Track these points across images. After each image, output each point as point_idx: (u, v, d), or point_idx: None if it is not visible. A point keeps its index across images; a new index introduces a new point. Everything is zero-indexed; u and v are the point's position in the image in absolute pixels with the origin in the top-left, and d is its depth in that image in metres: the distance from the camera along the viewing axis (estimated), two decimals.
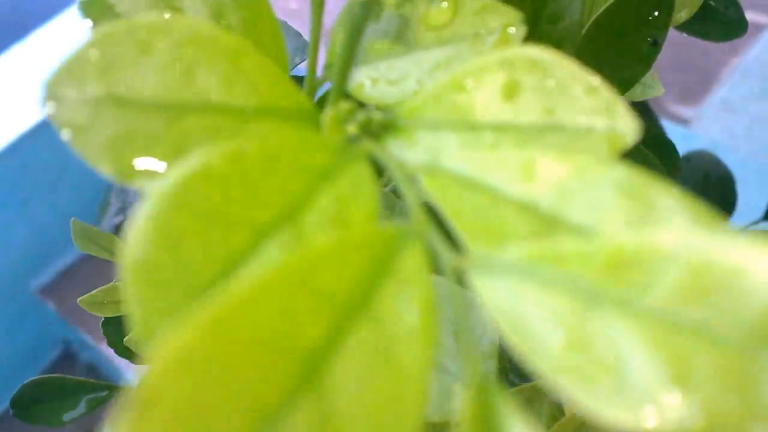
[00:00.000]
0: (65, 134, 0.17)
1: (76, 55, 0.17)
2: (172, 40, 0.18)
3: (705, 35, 0.54)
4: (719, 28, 0.53)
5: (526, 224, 0.15)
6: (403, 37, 0.23)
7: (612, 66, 0.32)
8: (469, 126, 0.19)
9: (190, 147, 0.18)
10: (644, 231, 0.14)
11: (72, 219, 0.33)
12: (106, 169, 0.17)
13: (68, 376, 0.49)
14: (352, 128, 0.19)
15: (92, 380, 0.48)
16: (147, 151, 0.17)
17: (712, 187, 0.73)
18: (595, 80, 0.18)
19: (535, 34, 0.31)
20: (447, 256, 0.14)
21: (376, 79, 0.23)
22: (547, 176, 0.16)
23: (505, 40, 0.22)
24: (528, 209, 0.15)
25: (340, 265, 0.12)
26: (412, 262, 0.13)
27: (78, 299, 0.34)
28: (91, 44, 0.17)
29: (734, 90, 1.32)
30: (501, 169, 0.16)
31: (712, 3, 0.52)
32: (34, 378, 0.48)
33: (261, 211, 0.15)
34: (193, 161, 0.14)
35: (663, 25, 0.31)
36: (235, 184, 0.15)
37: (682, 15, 0.47)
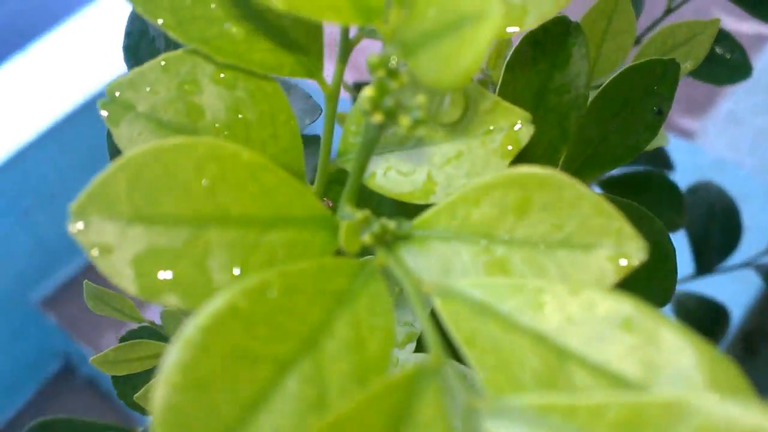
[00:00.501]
0: (93, 253, 0.18)
1: (104, 178, 0.17)
2: (196, 159, 0.18)
3: (711, 79, 0.54)
4: (725, 72, 0.54)
5: (538, 356, 0.16)
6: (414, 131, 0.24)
7: (618, 134, 0.33)
8: (480, 239, 0.19)
9: (210, 261, 0.18)
10: (654, 388, 0.14)
11: (85, 281, 0.34)
12: (131, 288, 0.18)
13: (76, 417, 0.49)
14: (367, 239, 0.20)
15: (100, 421, 0.49)
16: (170, 267, 0.18)
17: (717, 218, 0.74)
18: (602, 200, 0.18)
19: (542, 106, 0.32)
20: (462, 395, 0.15)
21: (387, 170, 0.24)
22: (557, 307, 0.16)
23: (512, 138, 0.23)
24: (539, 340, 0.16)
25: (363, 425, 0.13)
26: (430, 408, 0.14)
27: (90, 358, 0.34)
28: (119, 168, 0.17)
29: (740, 102, 1.32)
30: (514, 296, 0.17)
31: (717, 50, 0.53)
32: (41, 419, 0.49)
33: (283, 344, 0.16)
34: (217, 302, 0.15)
35: (668, 95, 0.32)
36: (258, 320, 0.15)
37: (687, 65, 0.47)
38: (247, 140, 0.23)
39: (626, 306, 0.16)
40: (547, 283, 0.17)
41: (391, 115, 0.19)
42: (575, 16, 0.52)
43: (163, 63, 0.22)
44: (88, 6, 1.20)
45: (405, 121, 0.18)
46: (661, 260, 0.34)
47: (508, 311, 0.17)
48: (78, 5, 1.21)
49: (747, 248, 0.72)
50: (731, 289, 0.75)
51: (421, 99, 0.18)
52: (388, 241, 0.20)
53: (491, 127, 0.23)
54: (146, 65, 0.22)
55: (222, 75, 0.23)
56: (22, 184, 1.17)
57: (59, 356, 1.34)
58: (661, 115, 0.33)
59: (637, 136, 0.33)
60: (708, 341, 0.16)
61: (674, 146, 1.12)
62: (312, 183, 0.26)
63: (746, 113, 1.32)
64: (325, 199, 0.27)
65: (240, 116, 0.23)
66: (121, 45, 0.38)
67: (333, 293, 0.17)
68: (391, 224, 0.20)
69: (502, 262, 0.19)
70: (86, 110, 1.09)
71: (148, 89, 0.22)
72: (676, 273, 0.34)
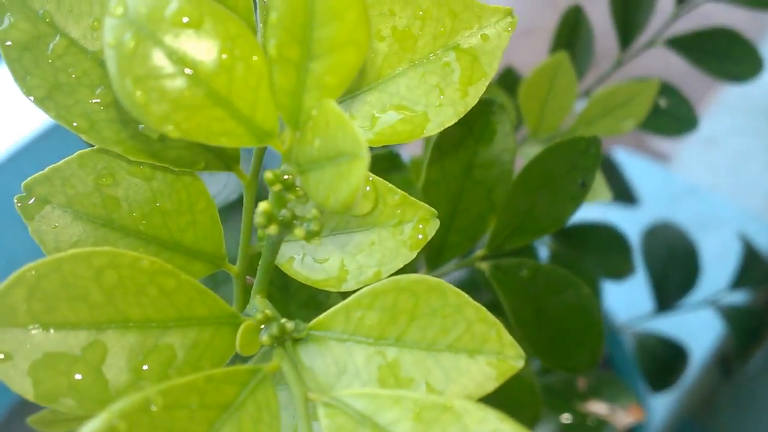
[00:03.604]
0: None
1: (2, 290, 0.18)
2: (94, 268, 0.19)
3: (658, 130, 0.56)
4: (671, 125, 0.55)
5: None
6: (328, 220, 0.24)
7: (544, 206, 0.34)
8: (374, 341, 0.20)
9: (108, 365, 0.19)
10: None
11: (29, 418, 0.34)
12: (29, 394, 0.18)
13: None
14: (266, 340, 0.20)
15: None
16: (67, 373, 0.19)
17: (677, 261, 0.74)
18: (482, 308, 0.19)
19: (470, 179, 0.33)
20: None
21: (304, 256, 0.25)
22: (432, 419, 0.17)
23: (420, 230, 0.24)
24: None
25: None
26: None
27: (28, 418, 0.34)
28: (17, 280, 0.18)
29: (717, 125, 1.32)
30: (392, 408, 0.17)
31: (664, 104, 0.54)
32: None
33: None
34: (95, 423, 0.16)
35: (590, 169, 0.33)
36: None
37: (628, 124, 0.49)
38: (165, 228, 0.24)
39: (492, 419, 0.17)
40: (423, 396, 0.17)
41: (286, 226, 0.19)
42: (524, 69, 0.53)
43: (79, 158, 0.23)
44: None
45: (300, 232, 0.19)
46: (588, 327, 0.35)
47: (386, 423, 0.17)
48: None
49: (722, 275, 0.73)
50: (707, 314, 0.75)
51: (314, 212, 0.19)
52: (287, 342, 0.21)
53: (400, 220, 0.24)
54: (62, 161, 0.23)
55: (141, 166, 0.23)
56: None
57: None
58: (584, 187, 0.34)
59: (562, 207, 0.34)
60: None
61: (648, 171, 1.12)
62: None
63: (723, 136, 1.33)
64: (248, 277, 0.27)
65: (158, 205, 0.24)
66: None
67: (218, 405, 0.18)
68: (290, 325, 0.20)
69: (393, 365, 0.20)
70: (47, 137, 1.08)
71: (63, 184, 0.23)
72: (603, 337, 0.35)
